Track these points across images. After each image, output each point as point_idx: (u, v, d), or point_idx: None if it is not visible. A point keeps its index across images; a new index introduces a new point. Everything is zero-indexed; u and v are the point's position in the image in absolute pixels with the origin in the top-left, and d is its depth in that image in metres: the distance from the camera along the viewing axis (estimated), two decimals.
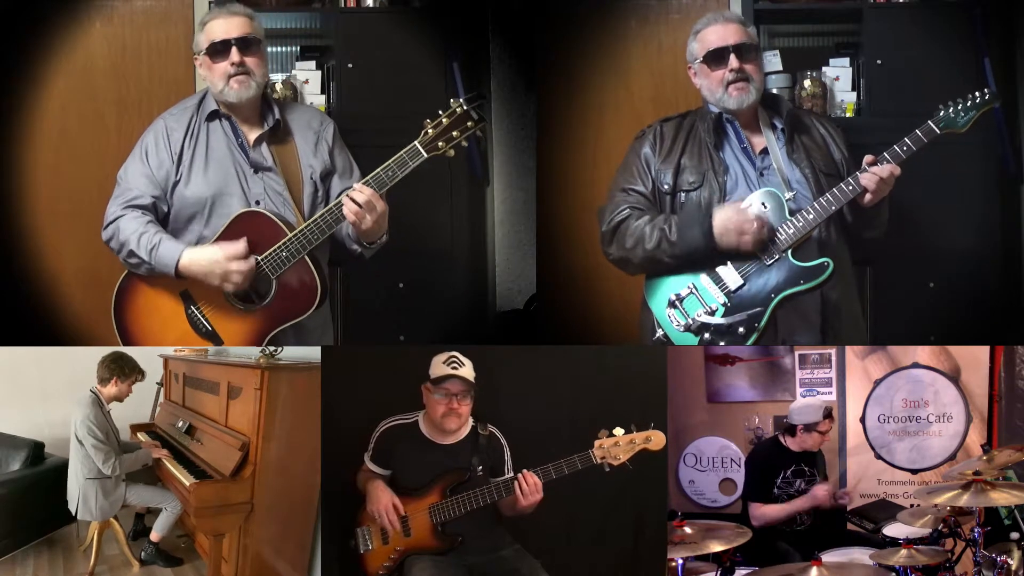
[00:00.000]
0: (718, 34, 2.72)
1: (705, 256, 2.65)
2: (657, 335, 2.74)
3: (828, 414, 3.15)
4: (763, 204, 2.63)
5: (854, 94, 3.39)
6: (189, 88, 3.31)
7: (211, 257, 2.59)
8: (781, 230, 2.64)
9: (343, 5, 3.45)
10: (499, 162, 3.56)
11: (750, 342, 2.63)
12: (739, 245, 2.62)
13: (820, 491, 3.11)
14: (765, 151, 2.73)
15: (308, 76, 3.44)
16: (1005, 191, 3.33)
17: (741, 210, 2.62)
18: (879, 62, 3.31)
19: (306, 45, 3.54)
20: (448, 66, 3.38)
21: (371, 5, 3.46)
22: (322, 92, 3.44)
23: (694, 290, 2.69)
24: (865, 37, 3.34)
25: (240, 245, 2.59)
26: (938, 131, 2.63)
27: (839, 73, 3.40)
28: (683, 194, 2.72)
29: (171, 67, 3.33)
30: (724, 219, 2.62)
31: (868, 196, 2.62)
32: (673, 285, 2.71)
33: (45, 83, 3.29)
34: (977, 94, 2.65)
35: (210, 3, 3.32)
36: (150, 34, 3.33)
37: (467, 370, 2.57)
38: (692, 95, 3.25)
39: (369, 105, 3.36)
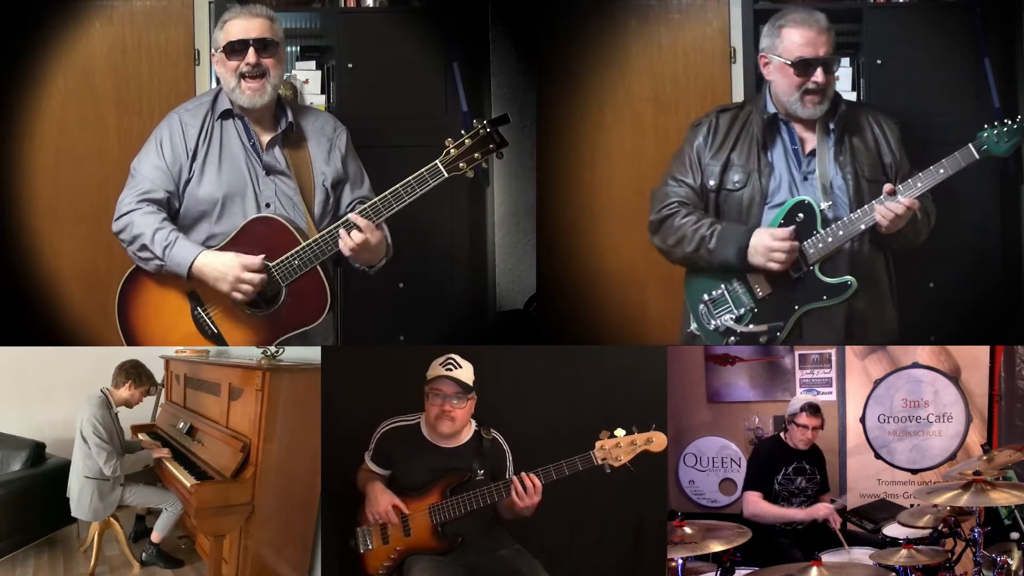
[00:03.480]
0: (809, 40, 2.65)
1: (738, 268, 2.70)
2: (691, 328, 2.79)
3: (807, 408, 3.17)
4: (799, 216, 2.64)
5: (854, 94, 3.38)
6: (189, 88, 3.31)
7: (227, 264, 2.58)
8: (811, 243, 2.65)
9: (343, 5, 3.45)
10: (499, 163, 3.54)
11: None
12: (768, 267, 2.66)
13: (822, 509, 3.12)
14: (813, 152, 2.73)
15: (308, 76, 3.44)
16: (1005, 191, 3.33)
17: (778, 238, 2.63)
18: (879, 62, 3.31)
19: (306, 45, 3.53)
20: (448, 66, 3.38)
21: (371, 5, 3.46)
22: (322, 92, 3.44)
23: (726, 292, 2.73)
24: (865, 37, 3.34)
25: (257, 259, 2.58)
26: (977, 155, 2.62)
27: (839, 73, 3.38)
28: (726, 193, 2.74)
29: (171, 67, 3.33)
30: (759, 244, 2.64)
31: (883, 229, 2.63)
32: (708, 284, 2.76)
33: (45, 83, 3.28)
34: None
35: (210, 3, 3.32)
36: (150, 34, 3.33)
37: (463, 372, 2.56)
38: (692, 95, 3.27)
39: (369, 105, 3.36)
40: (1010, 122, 2.62)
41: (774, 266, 2.65)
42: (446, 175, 2.57)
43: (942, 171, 2.62)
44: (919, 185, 2.61)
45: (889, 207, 2.60)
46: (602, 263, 3.32)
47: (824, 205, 2.66)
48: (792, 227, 2.64)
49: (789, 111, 2.72)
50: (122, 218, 2.66)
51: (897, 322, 2.84)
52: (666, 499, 3.20)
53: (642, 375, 2.94)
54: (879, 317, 2.77)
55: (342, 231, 2.56)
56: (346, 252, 2.57)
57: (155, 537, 3.61)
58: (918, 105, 3.24)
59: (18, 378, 4.21)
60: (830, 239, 2.65)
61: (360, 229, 2.55)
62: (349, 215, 2.58)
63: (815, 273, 2.67)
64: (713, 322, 2.74)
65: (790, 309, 2.69)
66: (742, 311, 2.72)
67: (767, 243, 2.64)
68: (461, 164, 2.57)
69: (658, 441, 2.51)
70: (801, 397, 3.33)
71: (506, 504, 2.53)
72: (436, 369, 2.56)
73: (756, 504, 3.14)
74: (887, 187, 2.62)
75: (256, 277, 2.58)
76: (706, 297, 2.76)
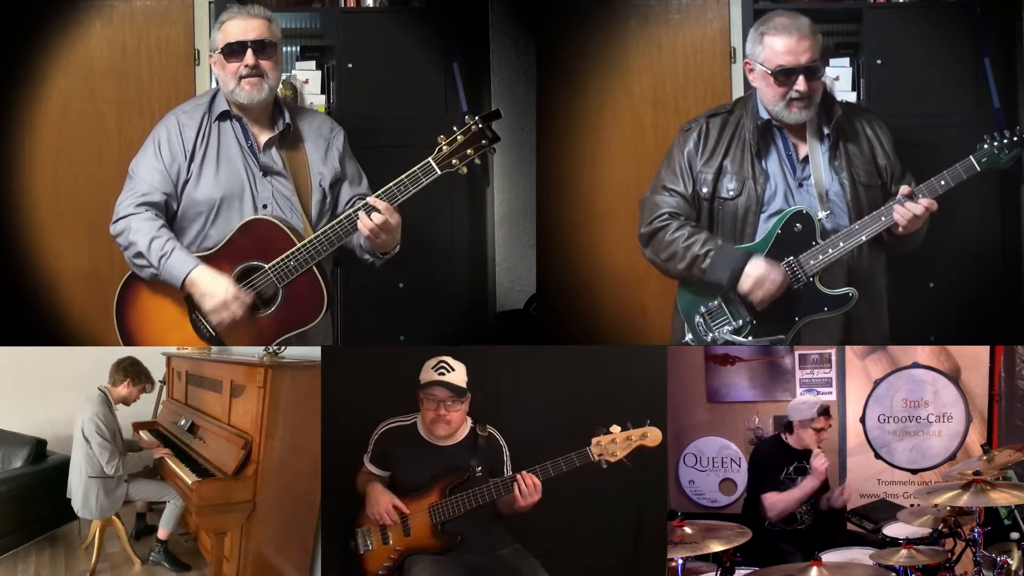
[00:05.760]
0: (790, 49, 2.59)
1: (730, 290, 2.67)
2: (686, 338, 2.77)
3: (823, 411, 3.16)
4: (797, 226, 2.63)
5: (854, 94, 3.38)
6: (189, 88, 3.31)
7: (219, 288, 2.58)
8: (810, 255, 2.63)
9: (343, 5, 3.46)
10: (499, 162, 3.56)
11: None
12: (757, 301, 2.64)
13: (819, 463, 3.09)
14: (807, 159, 2.70)
15: (308, 76, 3.44)
16: (1005, 191, 3.33)
17: (772, 273, 2.61)
18: (879, 62, 3.31)
19: (306, 45, 3.53)
20: (448, 66, 3.38)
21: (371, 5, 3.46)
22: (322, 92, 3.44)
23: (723, 304, 2.70)
24: (865, 37, 3.34)
25: (248, 297, 2.59)
26: (978, 168, 2.61)
27: (839, 73, 3.38)
28: (721, 201, 2.71)
29: (171, 67, 3.33)
30: (754, 275, 2.62)
31: (900, 229, 2.61)
32: (704, 296, 2.73)
33: (45, 83, 3.28)
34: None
35: (210, 3, 3.32)
36: (150, 34, 3.32)
37: (455, 375, 2.56)
38: (692, 96, 3.26)
39: (369, 105, 3.36)
40: (1010, 135, 2.61)
41: (763, 299, 2.63)
42: (439, 172, 2.57)
43: (943, 183, 2.60)
44: (923, 196, 2.59)
45: (908, 207, 2.57)
46: (602, 263, 3.32)
47: (822, 215, 2.64)
48: (786, 268, 2.63)
49: (776, 117, 2.68)
50: (120, 221, 2.67)
51: (889, 323, 2.83)
52: (666, 499, 3.20)
53: (642, 375, 2.94)
54: (875, 320, 2.77)
55: (361, 214, 2.56)
56: (365, 233, 2.56)
57: (162, 534, 3.62)
58: (918, 105, 3.24)
59: (19, 377, 4.21)
60: (831, 250, 2.61)
61: (380, 211, 2.55)
62: (369, 198, 2.58)
63: (815, 285, 2.64)
64: (711, 334, 2.70)
65: (790, 321, 2.66)
66: (740, 323, 2.69)
67: (763, 276, 2.61)
68: (454, 161, 2.56)
69: (652, 436, 2.53)
70: (805, 400, 3.31)
71: (505, 501, 2.55)
72: (429, 373, 2.56)
73: (774, 504, 3.11)
74: (904, 188, 2.60)
75: (239, 312, 2.59)
76: (703, 309, 2.72)
